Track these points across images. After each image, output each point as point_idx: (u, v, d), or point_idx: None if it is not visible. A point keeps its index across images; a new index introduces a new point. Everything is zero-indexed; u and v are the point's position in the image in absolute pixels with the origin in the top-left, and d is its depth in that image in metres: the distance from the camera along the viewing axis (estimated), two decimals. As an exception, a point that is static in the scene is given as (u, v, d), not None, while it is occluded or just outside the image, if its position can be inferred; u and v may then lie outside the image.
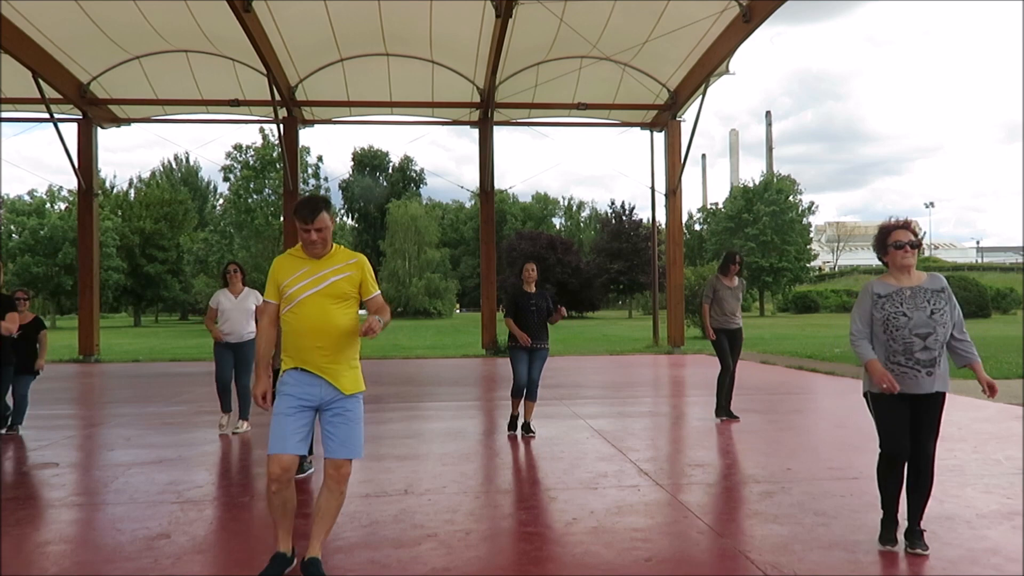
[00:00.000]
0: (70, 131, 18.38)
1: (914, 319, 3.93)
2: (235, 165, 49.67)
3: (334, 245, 3.68)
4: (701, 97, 17.50)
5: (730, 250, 9.17)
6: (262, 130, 48.03)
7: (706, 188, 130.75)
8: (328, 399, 3.56)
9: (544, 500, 5.05)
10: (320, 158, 53.74)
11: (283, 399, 3.54)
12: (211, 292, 44.99)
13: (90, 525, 4.69)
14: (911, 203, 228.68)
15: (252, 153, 49.04)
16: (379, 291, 3.73)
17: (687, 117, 19.35)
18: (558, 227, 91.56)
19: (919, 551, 3.89)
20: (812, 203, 68.92)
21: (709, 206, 77.53)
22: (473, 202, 71.01)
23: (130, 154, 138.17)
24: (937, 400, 4.04)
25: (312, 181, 51.63)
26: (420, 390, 11.63)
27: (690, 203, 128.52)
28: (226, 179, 50.09)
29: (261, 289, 5.14)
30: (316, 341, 3.53)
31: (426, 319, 60.86)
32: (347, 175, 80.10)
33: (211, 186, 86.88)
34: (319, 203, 3.58)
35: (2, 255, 49.13)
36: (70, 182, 51.60)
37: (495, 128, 19.54)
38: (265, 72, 16.41)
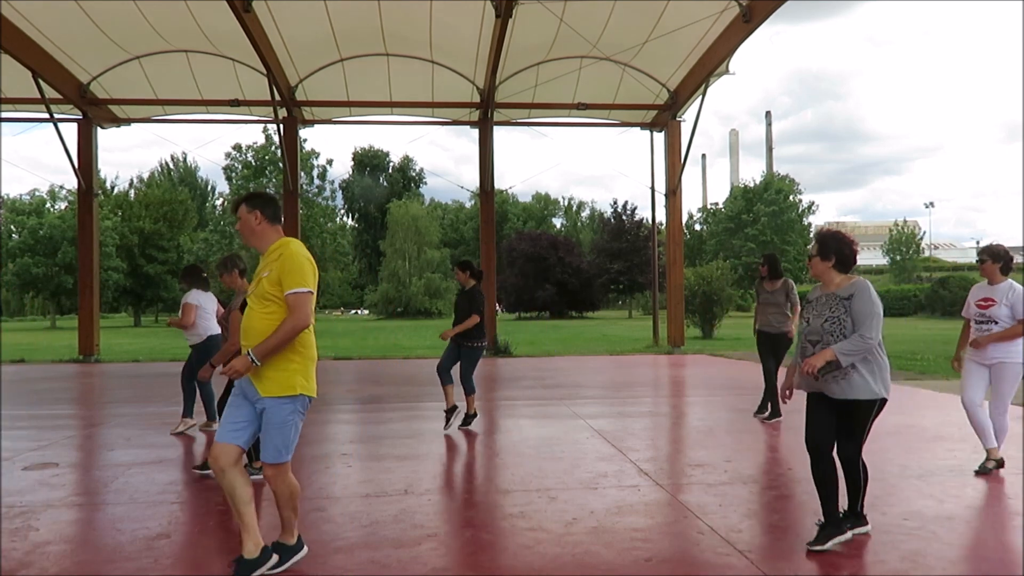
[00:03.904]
0: (70, 131, 18.38)
1: (811, 326, 4.06)
2: (235, 165, 49.70)
3: (278, 241, 3.66)
4: (701, 97, 17.50)
5: (764, 252, 9.06)
6: (265, 129, 48.05)
7: (706, 188, 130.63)
8: (253, 398, 3.57)
9: (544, 500, 5.05)
10: (330, 162, 53.75)
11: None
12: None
13: (90, 525, 4.69)
14: (911, 203, 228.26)
15: (253, 153, 49.04)
16: (300, 289, 3.48)
17: (687, 117, 19.36)
18: (558, 227, 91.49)
19: (859, 530, 4.11)
20: (812, 203, 68.90)
21: (709, 206, 77.41)
22: (473, 202, 70.99)
23: (130, 154, 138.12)
24: (848, 407, 3.97)
25: (317, 182, 51.75)
26: (420, 390, 11.62)
27: (690, 203, 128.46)
28: (228, 178, 50.12)
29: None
30: (243, 340, 3.61)
31: (426, 319, 60.84)
32: (347, 175, 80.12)
33: (210, 186, 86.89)
34: (241, 199, 3.76)
35: (2, 255, 49.12)
36: (70, 182, 51.58)
37: (495, 128, 19.54)
38: (265, 72, 16.41)
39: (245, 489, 3.56)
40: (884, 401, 4.00)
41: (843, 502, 4.16)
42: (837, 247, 4.08)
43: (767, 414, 8.31)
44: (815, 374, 3.91)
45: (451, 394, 7.81)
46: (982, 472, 5.55)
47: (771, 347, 8.35)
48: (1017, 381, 5.53)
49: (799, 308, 8.02)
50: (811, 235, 68.85)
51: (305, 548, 3.85)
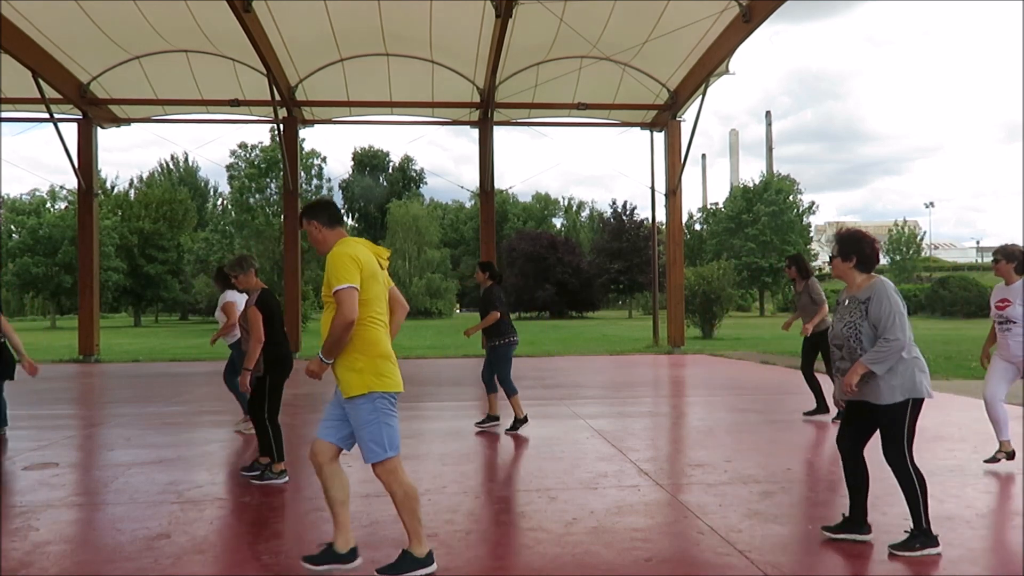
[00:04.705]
0: (70, 131, 18.38)
1: (835, 330, 4.03)
2: (240, 164, 49.63)
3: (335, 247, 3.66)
4: (701, 97, 17.50)
5: (789, 255, 8.95)
6: (272, 130, 47.93)
7: (706, 188, 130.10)
8: (341, 399, 3.64)
9: (544, 500, 5.05)
10: (325, 159, 53.65)
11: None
12: (212, 292, 44.98)
13: (90, 525, 4.69)
14: (911, 203, 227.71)
15: (259, 153, 48.92)
16: (341, 286, 3.45)
17: (687, 117, 19.37)
18: (558, 227, 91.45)
19: (929, 551, 3.85)
20: (812, 203, 68.92)
21: (709, 206, 77.41)
22: (473, 202, 70.94)
23: (130, 154, 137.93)
24: (874, 411, 3.91)
25: (315, 182, 51.71)
26: (420, 390, 11.62)
27: (690, 203, 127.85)
28: (231, 177, 50.02)
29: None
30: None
31: (426, 319, 60.80)
32: (347, 175, 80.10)
33: (209, 185, 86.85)
34: (301, 214, 3.82)
35: (2, 255, 49.13)
36: (70, 182, 51.56)
37: (495, 128, 19.55)
38: (265, 72, 16.41)
39: (338, 489, 3.62)
40: (916, 402, 3.87)
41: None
42: (857, 246, 4.00)
43: (812, 408, 8.31)
44: (855, 390, 3.88)
45: (494, 403, 7.82)
46: (992, 461, 5.71)
47: (813, 348, 8.21)
48: None
49: (825, 305, 8.01)
50: (811, 235, 68.95)
51: (434, 566, 3.64)
